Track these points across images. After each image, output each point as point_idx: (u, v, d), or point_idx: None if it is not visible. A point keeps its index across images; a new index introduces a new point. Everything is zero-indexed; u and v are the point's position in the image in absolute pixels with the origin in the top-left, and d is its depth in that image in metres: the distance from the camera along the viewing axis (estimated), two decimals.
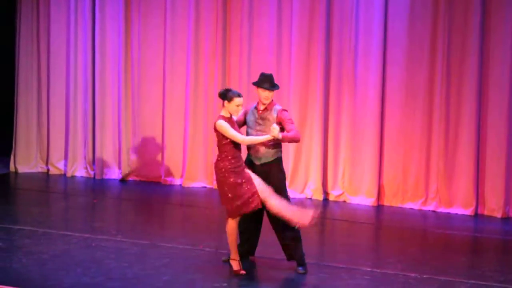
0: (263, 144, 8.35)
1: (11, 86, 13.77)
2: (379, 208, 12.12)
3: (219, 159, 8.27)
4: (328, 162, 12.48)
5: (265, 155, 8.45)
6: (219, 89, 12.64)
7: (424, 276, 8.63)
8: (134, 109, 13.37)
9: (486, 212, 11.71)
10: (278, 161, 8.54)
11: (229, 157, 8.21)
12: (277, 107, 8.52)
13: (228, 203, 8.25)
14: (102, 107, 13.40)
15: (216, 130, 8.21)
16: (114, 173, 13.49)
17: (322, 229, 11.00)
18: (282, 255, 8.74)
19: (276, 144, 8.42)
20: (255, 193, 8.19)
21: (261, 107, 8.48)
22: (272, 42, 12.58)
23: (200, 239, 9.80)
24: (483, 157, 11.68)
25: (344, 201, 12.38)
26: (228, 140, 8.17)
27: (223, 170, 8.21)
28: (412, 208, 12.01)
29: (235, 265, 8.37)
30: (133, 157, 13.41)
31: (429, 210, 11.93)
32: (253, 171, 8.39)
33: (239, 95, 8.24)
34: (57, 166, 13.73)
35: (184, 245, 9.50)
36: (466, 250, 10.22)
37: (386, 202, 12.22)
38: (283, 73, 12.54)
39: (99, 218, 11.29)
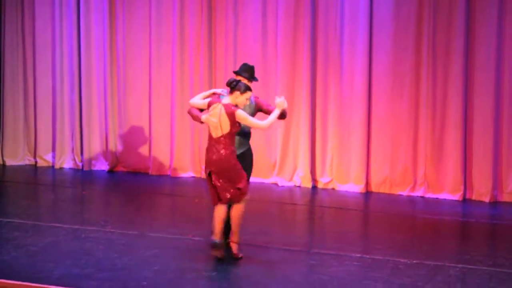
0: (239, 136, 8.46)
1: None
2: (367, 194, 12.16)
3: (226, 148, 8.17)
4: (316, 150, 12.50)
5: (244, 145, 8.59)
6: (205, 79, 12.75)
7: (414, 261, 8.65)
8: (120, 101, 13.36)
9: (474, 197, 11.76)
10: (250, 150, 8.73)
11: (233, 147, 8.21)
12: (253, 97, 8.58)
13: (245, 188, 8.37)
14: (89, 99, 13.38)
15: (232, 117, 8.10)
16: (102, 164, 13.47)
17: (311, 217, 11.02)
18: (270, 242, 8.75)
19: (248, 135, 8.61)
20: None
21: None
22: (257, 31, 12.58)
23: (189, 229, 9.80)
24: (470, 142, 11.72)
25: (333, 189, 12.41)
26: (238, 129, 8.16)
27: (235, 157, 8.23)
28: (400, 194, 12.05)
29: (235, 248, 8.49)
30: (121, 148, 13.39)
31: (417, 196, 11.97)
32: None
33: (250, 89, 8.24)
34: (45, 158, 13.72)
35: (173, 235, 9.50)
36: (454, 235, 10.25)
37: (375, 188, 12.25)
38: (270, 62, 12.56)
39: (88, 209, 11.29)
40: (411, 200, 11.85)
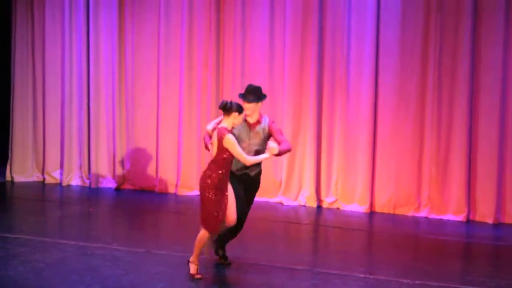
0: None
1: (6, 96, 13.77)
2: (372, 214, 12.15)
3: (209, 169, 8.21)
4: (321, 170, 12.51)
5: (257, 167, 8.62)
6: (213, 97, 12.77)
7: (416, 282, 8.64)
8: (128, 118, 13.39)
9: (477, 218, 11.75)
10: (260, 174, 8.77)
11: (220, 172, 8.15)
12: (266, 119, 8.60)
13: (212, 219, 8.24)
14: (97, 116, 13.42)
15: (220, 142, 8.09)
16: (109, 182, 13.50)
17: (315, 236, 11.02)
18: (274, 261, 8.76)
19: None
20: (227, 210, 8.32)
21: (250, 120, 8.52)
22: (265, 50, 12.62)
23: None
24: (475, 164, 11.72)
25: (338, 208, 12.41)
26: (229, 154, 8.10)
27: (209, 182, 8.16)
28: (404, 215, 12.03)
29: (193, 268, 8.43)
30: (128, 166, 13.42)
31: (421, 217, 11.96)
32: (244, 180, 8.56)
33: (242, 108, 8.25)
34: (53, 175, 13.75)
35: (178, 253, 9.50)
36: (458, 256, 10.24)
37: (379, 209, 12.25)
38: (277, 81, 12.59)
39: (94, 226, 11.29)
40: (415, 220, 11.84)
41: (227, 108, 8.13)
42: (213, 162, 8.18)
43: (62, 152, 13.69)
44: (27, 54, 13.77)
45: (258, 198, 12.61)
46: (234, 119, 8.16)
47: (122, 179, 13.46)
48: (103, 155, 13.48)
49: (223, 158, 8.12)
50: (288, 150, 8.45)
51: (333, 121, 12.40)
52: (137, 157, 13.40)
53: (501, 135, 11.56)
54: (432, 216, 11.91)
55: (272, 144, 8.17)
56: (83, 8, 13.34)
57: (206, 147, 8.47)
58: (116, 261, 9.08)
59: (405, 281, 8.66)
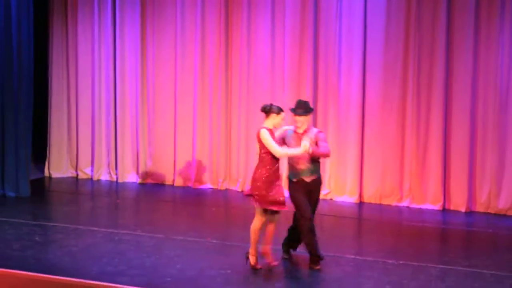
0: (309, 162, 8.20)
1: (44, 103, 13.79)
2: (360, 205, 12.12)
3: (258, 167, 8.01)
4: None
5: (313, 174, 8.32)
6: (222, 105, 12.74)
7: (400, 262, 8.64)
8: (150, 123, 13.39)
9: (452, 207, 11.71)
10: (318, 178, 8.41)
11: (267, 166, 7.97)
12: (314, 129, 8.40)
13: (262, 198, 7.98)
14: (122, 121, 13.42)
15: (259, 138, 7.97)
16: (133, 177, 13.49)
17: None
18: (276, 247, 8.76)
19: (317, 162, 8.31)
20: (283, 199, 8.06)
21: (299, 130, 8.27)
22: (267, 64, 12.59)
23: (207, 233, 9.81)
24: (449, 160, 11.70)
25: (331, 199, 12.38)
26: (266, 150, 7.95)
27: (262, 178, 7.93)
28: (389, 205, 12.01)
29: (252, 260, 8.19)
30: (149, 163, 13.41)
31: (403, 206, 11.92)
32: (301, 186, 8.31)
33: (283, 110, 8.11)
34: (85, 171, 13.74)
35: (193, 238, 9.50)
36: (436, 240, 10.22)
37: (367, 200, 12.21)
38: (277, 90, 12.55)
39: (121, 215, 11.30)
40: (398, 209, 11.81)
41: (266, 110, 8.03)
42: (259, 159, 8.02)
43: (93, 151, 13.69)
44: (62, 66, 13.76)
45: None
46: (273, 120, 8.03)
47: (145, 174, 13.45)
48: (128, 154, 13.47)
49: (262, 154, 7.96)
50: (324, 154, 8.21)
51: (327, 122, 12.36)
52: (158, 155, 13.39)
53: (471, 135, 11.54)
54: (413, 205, 11.88)
55: (304, 141, 7.98)
56: (110, 25, 13.33)
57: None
58: (140, 246, 9.09)
59: (390, 261, 8.66)
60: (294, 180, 8.35)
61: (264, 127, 8.00)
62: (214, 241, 9.40)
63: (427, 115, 11.77)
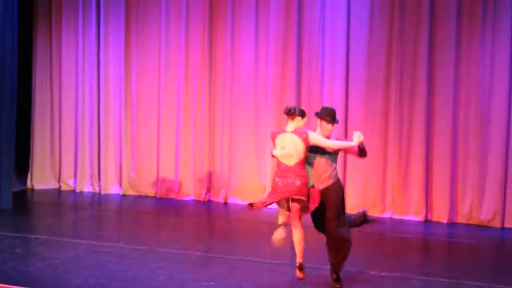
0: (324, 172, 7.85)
1: (27, 114, 13.74)
2: None
3: (302, 176, 7.54)
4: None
5: (326, 182, 7.91)
6: (205, 115, 12.74)
7: (382, 273, 8.64)
8: (133, 134, 13.36)
9: (434, 218, 11.73)
10: (330, 186, 7.91)
11: (304, 173, 7.59)
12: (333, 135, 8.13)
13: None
14: (106, 132, 13.39)
15: (306, 142, 7.51)
16: (116, 189, 13.45)
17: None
18: (259, 257, 8.73)
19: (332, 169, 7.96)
20: None
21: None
22: (251, 74, 12.62)
23: (190, 245, 9.78)
24: (431, 172, 11.73)
25: None
26: (305, 153, 7.54)
27: (306, 186, 7.60)
28: (372, 216, 12.01)
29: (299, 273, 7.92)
30: (132, 175, 13.37)
31: (386, 217, 11.94)
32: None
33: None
34: (68, 183, 13.69)
35: (177, 250, 9.48)
36: (418, 251, 10.24)
37: (350, 211, 12.14)
38: (261, 99, 12.58)
39: (103, 227, 11.26)
40: (381, 221, 11.82)
41: (291, 113, 7.57)
42: (300, 163, 7.54)
43: (76, 162, 13.64)
44: (46, 76, 13.72)
45: (245, 202, 12.69)
46: (297, 123, 7.62)
47: (128, 186, 13.41)
48: (111, 166, 13.44)
49: (304, 158, 7.55)
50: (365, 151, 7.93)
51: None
52: (141, 167, 13.36)
53: (453, 146, 11.58)
54: (395, 216, 11.90)
55: (357, 133, 7.71)
56: (94, 35, 13.31)
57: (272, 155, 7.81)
58: (122, 258, 9.05)
59: (372, 272, 8.66)
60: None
61: (305, 130, 7.59)
62: (197, 253, 9.38)
63: (410, 127, 11.81)
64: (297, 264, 7.92)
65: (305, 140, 7.54)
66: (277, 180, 7.65)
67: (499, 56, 11.25)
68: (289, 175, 7.56)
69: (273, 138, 7.71)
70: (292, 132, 7.60)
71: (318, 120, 7.96)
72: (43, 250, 9.35)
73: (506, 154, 11.32)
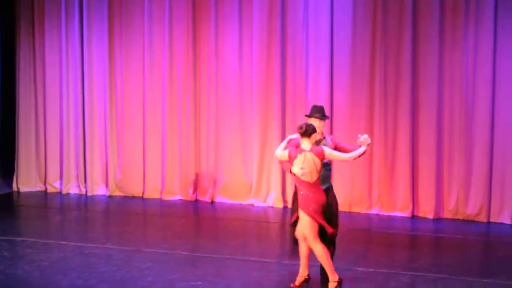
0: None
1: (12, 117, 13.67)
2: None
3: (318, 189, 7.59)
4: (286, 175, 12.49)
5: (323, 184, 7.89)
6: (190, 115, 12.73)
7: (370, 269, 8.65)
8: (118, 134, 13.32)
9: (420, 214, 11.77)
10: (327, 189, 7.94)
11: (320, 189, 7.65)
12: (328, 135, 8.13)
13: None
14: (91, 134, 13.34)
15: (322, 158, 7.55)
16: (103, 190, 13.41)
17: (282, 233, 10.97)
18: (248, 255, 8.71)
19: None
20: None
21: (317, 136, 7.87)
22: (235, 73, 12.62)
23: (178, 245, 9.76)
24: (417, 168, 11.76)
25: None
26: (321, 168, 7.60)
27: (316, 208, 7.58)
28: (358, 212, 12.04)
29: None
30: (119, 176, 13.33)
31: (373, 214, 11.96)
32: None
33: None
34: (54, 185, 13.63)
35: (164, 250, 9.45)
36: (404, 247, 10.25)
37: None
38: (246, 98, 12.59)
39: (90, 229, 11.21)
40: (367, 217, 11.85)
41: (308, 133, 7.56)
42: (315, 181, 7.58)
43: (61, 164, 13.59)
44: (30, 79, 13.66)
45: (232, 201, 12.71)
46: (314, 139, 7.64)
47: (114, 187, 13.37)
48: (97, 167, 13.39)
49: (318, 172, 7.59)
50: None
51: (295, 129, 12.33)
52: (127, 167, 13.32)
53: (439, 142, 11.62)
54: (382, 213, 11.93)
55: (363, 136, 7.77)
56: (78, 37, 13.25)
57: (289, 171, 7.73)
58: (110, 259, 9.02)
59: (360, 269, 8.67)
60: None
61: (320, 146, 7.66)
62: (185, 252, 9.36)
63: (395, 123, 11.84)
64: (306, 277, 7.86)
65: (321, 154, 7.58)
66: (301, 193, 7.62)
67: (482, 49, 11.27)
68: (313, 192, 7.57)
69: (291, 158, 7.66)
70: (310, 151, 7.60)
71: (308, 119, 7.95)
72: (30, 252, 9.31)
73: (491, 149, 11.37)
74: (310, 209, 7.54)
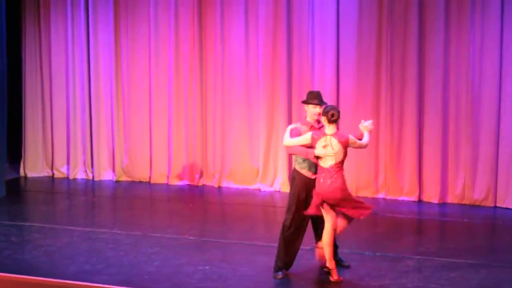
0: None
1: (18, 103, 13.65)
2: None
3: (341, 176, 7.59)
4: (292, 160, 12.42)
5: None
6: (197, 102, 12.71)
7: (377, 253, 8.64)
8: (125, 120, 13.28)
9: (427, 199, 11.70)
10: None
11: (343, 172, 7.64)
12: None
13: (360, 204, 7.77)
14: (98, 119, 13.31)
15: (346, 145, 7.56)
16: (110, 175, 13.39)
17: None
18: (255, 240, 8.70)
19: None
20: None
21: (316, 124, 7.83)
22: (241, 61, 12.55)
23: (185, 229, 9.75)
24: (423, 152, 11.70)
25: None
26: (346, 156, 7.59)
27: (344, 188, 7.64)
28: (365, 197, 11.99)
29: (334, 274, 7.75)
30: (126, 161, 13.31)
31: (379, 198, 11.91)
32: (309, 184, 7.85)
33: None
34: (61, 170, 13.62)
35: (171, 235, 9.45)
36: (411, 231, 10.22)
37: None
38: (252, 86, 12.53)
39: (97, 214, 11.21)
40: (374, 201, 11.79)
41: (335, 119, 7.54)
42: (338, 165, 7.56)
43: (68, 149, 13.57)
44: (36, 65, 13.61)
45: (238, 185, 12.68)
46: (335, 126, 7.60)
47: (121, 172, 13.35)
48: (103, 152, 13.37)
49: (344, 160, 7.58)
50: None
51: (302, 117, 12.28)
52: (133, 152, 13.29)
53: (444, 129, 11.53)
54: (389, 197, 11.88)
55: (368, 122, 7.82)
56: (84, 24, 13.18)
57: (312, 155, 7.62)
58: (117, 244, 9.02)
59: (367, 253, 8.66)
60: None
61: (348, 135, 7.65)
62: (192, 237, 9.35)
63: (401, 109, 11.76)
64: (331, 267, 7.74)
65: (346, 141, 7.57)
66: (320, 184, 7.58)
67: (489, 33, 11.15)
68: (332, 177, 7.55)
69: (314, 140, 7.57)
70: (333, 135, 7.56)
71: (306, 106, 7.89)
72: (37, 237, 9.31)
73: (497, 134, 11.29)
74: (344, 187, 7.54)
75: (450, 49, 11.43)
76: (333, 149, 7.53)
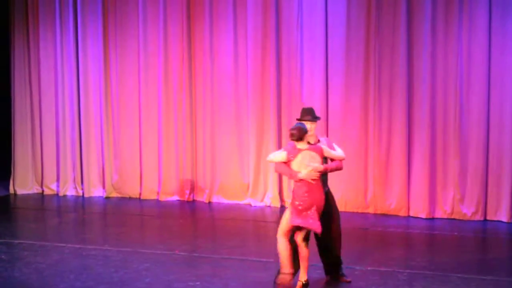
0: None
1: (8, 120, 13.61)
2: None
3: (324, 186, 7.78)
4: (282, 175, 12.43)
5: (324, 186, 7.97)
6: (186, 116, 12.68)
7: (368, 268, 8.60)
8: (115, 137, 13.27)
9: (416, 213, 11.68)
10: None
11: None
12: (324, 137, 8.09)
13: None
14: (87, 135, 13.29)
15: (322, 155, 7.62)
16: (100, 191, 13.34)
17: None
18: (245, 255, 8.66)
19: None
20: None
21: (311, 140, 7.82)
22: (230, 74, 12.58)
23: (175, 245, 9.70)
24: (412, 166, 11.69)
25: None
26: None
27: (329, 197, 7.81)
28: (354, 212, 11.98)
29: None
30: (115, 177, 13.27)
31: (368, 213, 11.90)
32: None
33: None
34: (51, 187, 13.57)
35: (162, 251, 9.39)
36: (401, 245, 10.20)
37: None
38: (241, 99, 12.57)
39: (88, 230, 11.14)
40: (363, 216, 11.80)
41: (300, 136, 7.54)
42: (320, 178, 7.64)
43: (58, 166, 13.53)
44: (25, 81, 13.62)
45: (229, 201, 12.65)
46: (307, 139, 7.63)
47: (111, 188, 13.31)
48: (93, 168, 13.33)
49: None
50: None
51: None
52: (123, 168, 13.27)
53: (433, 141, 11.56)
54: (378, 212, 11.86)
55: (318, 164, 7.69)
56: (72, 39, 13.22)
57: (296, 178, 7.60)
58: (108, 260, 8.95)
59: (358, 267, 8.62)
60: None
61: (321, 146, 7.69)
62: (182, 253, 9.30)
63: (389, 122, 11.78)
64: (304, 282, 7.71)
65: (320, 152, 7.64)
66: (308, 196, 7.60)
67: (477, 47, 11.21)
68: (318, 188, 7.64)
69: (292, 158, 7.59)
70: (307, 149, 7.60)
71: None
72: (27, 255, 9.24)
73: (487, 147, 11.32)
74: (300, 208, 7.54)
75: (438, 62, 11.46)
76: (315, 161, 7.59)
